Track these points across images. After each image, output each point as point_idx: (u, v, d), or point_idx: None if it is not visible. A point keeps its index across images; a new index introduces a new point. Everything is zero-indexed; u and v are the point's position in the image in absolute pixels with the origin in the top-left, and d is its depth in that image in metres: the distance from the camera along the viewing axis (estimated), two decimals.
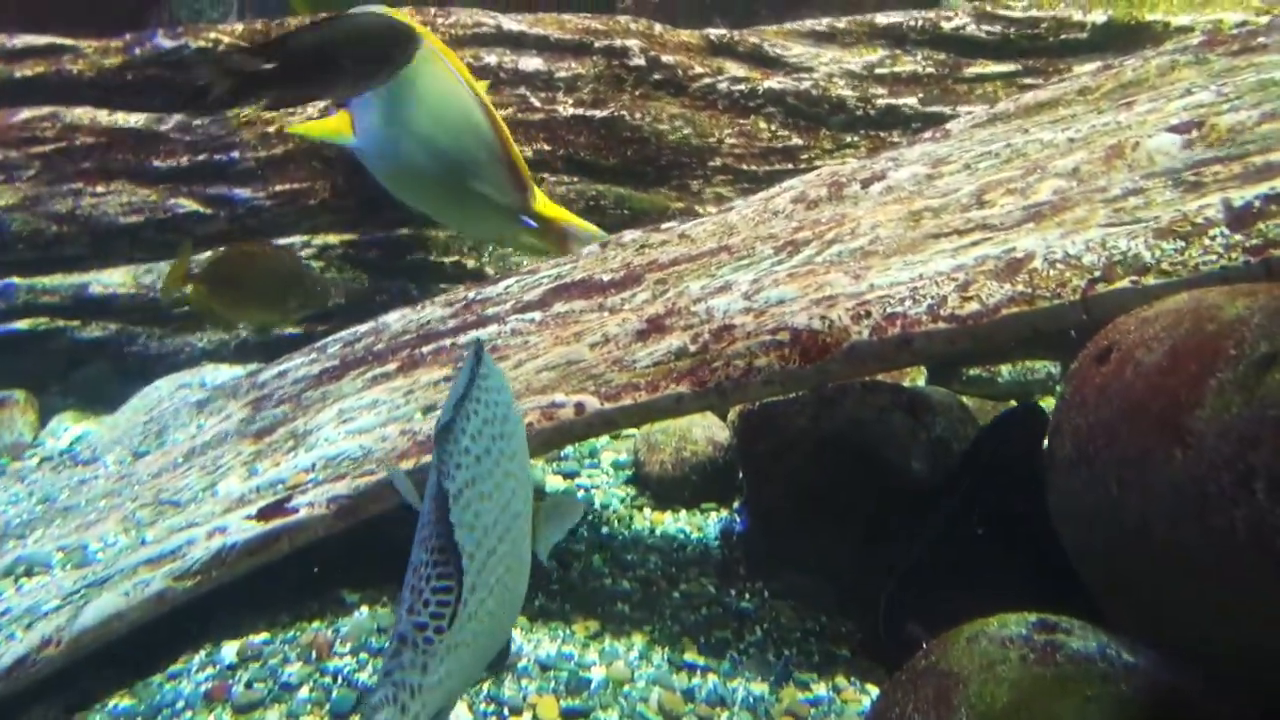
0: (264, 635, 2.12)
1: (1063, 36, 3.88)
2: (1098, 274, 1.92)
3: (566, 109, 3.90)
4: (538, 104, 3.90)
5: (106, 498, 2.55)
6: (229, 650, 2.08)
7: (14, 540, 2.45)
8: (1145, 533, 1.51)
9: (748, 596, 2.40)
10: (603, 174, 3.91)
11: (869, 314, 2.07)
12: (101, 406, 3.58)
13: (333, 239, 3.84)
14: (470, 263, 3.85)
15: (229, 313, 3.32)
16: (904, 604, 2.12)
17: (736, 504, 2.91)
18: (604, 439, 3.29)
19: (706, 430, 3.01)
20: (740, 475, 2.90)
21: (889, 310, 2.05)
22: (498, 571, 1.33)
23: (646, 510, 2.91)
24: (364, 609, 2.19)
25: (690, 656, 2.06)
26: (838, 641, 2.21)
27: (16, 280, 3.62)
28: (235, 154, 3.77)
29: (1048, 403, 3.35)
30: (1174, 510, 1.45)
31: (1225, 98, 2.37)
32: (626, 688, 1.93)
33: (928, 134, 2.97)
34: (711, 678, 1.99)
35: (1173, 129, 2.30)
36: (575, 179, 3.89)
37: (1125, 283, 1.89)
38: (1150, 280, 1.88)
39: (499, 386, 1.48)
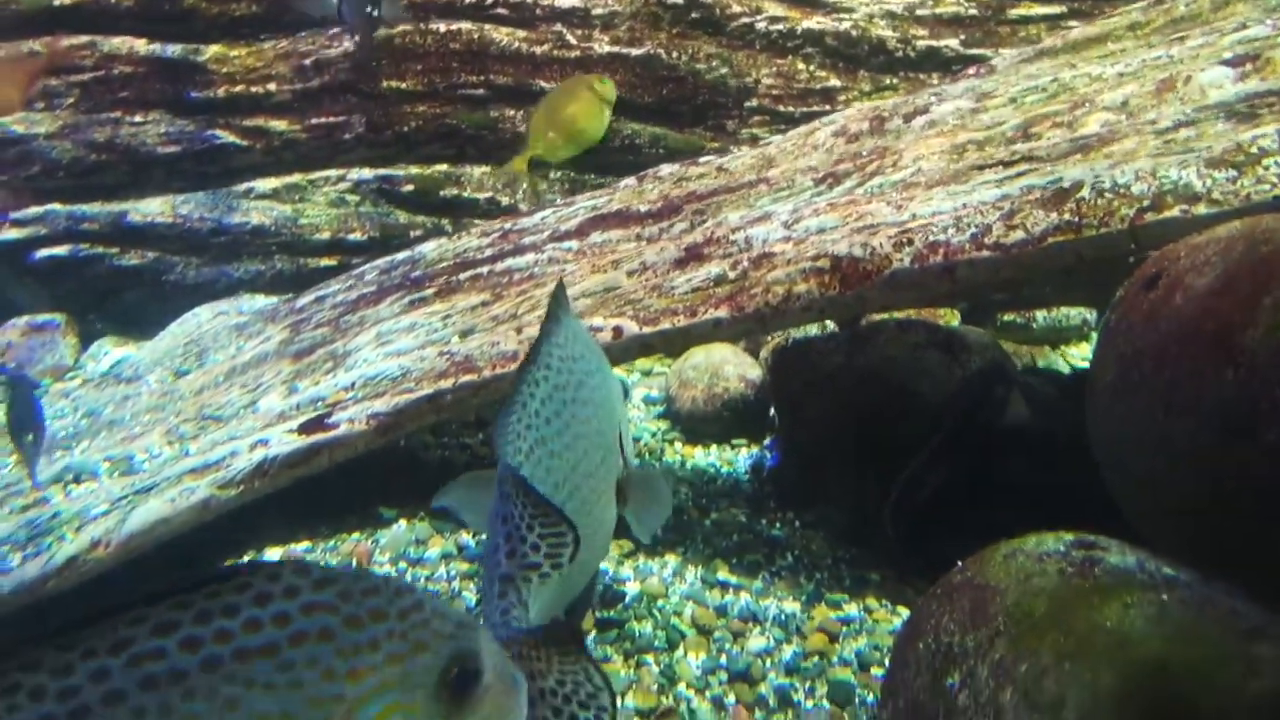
0: (305, 544, 2.17)
1: None
2: (1147, 203, 1.90)
3: (603, 46, 3.86)
4: (574, 41, 3.86)
5: (150, 412, 2.59)
6: (271, 557, 2.13)
7: (61, 450, 2.51)
8: (1194, 454, 1.51)
9: (779, 526, 2.42)
10: (639, 113, 3.88)
11: (911, 242, 2.06)
12: (139, 332, 3.63)
13: (367, 173, 3.84)
14: (504, 199, 3.85)
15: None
16: (908, 511, 2.19)
17: (767, 440, 2.92)
18: (635, 374, 3.31)
19: (739, 367, 3.01)
20: (772, 412, 2.90)
21: (932, 238, 2.04)
22: None
23: (677, 444, 2.93)
24: (402, 523, 2.23)
25: (723, 575, 2.09)
26: (868, 568, 2.23)
27: (57, 206, 3.66)
28: (272, 86, 3.77)
29: (1082, 349, 3.33)
30: (1225, 429, 1.45)
31: None
32: (660, 601, 1.96)
33: (972, 70, 2.93)
34: (744, 595, 2.02)
35: (1226, 62, 2.26)
36: (611, 118, 3.86)
37: (1175, 211, 1.87)
38: (1201, 209, 1.85)
39: (579, 355, 1.53)
